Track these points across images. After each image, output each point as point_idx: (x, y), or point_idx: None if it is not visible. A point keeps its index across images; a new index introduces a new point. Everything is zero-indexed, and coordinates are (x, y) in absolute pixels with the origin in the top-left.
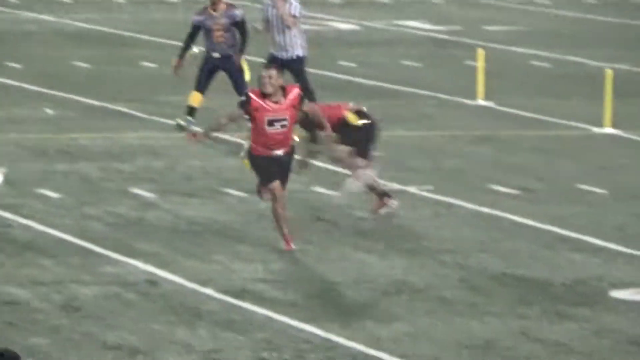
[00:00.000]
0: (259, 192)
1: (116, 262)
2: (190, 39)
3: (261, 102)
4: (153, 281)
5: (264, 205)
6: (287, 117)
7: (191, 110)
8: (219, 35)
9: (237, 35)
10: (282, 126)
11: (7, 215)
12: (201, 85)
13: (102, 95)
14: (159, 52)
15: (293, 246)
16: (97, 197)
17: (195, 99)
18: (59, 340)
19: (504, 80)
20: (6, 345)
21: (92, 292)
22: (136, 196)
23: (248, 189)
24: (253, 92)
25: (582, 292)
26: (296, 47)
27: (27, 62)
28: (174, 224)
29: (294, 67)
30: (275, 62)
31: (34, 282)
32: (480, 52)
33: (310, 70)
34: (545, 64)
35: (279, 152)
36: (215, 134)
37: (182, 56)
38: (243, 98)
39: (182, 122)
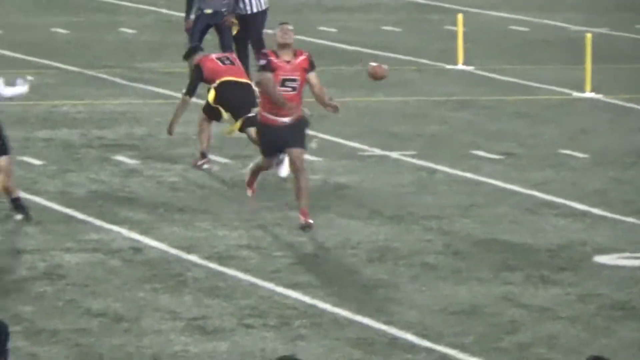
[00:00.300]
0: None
1: (100, 229)
2: None
3: (277, 61)
4: (137, 248)
5: (247, 170)
6: (298, 77)
7: None
8: None
9: None
10: (293, 89)
11: None
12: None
13: (82, 61)
14: (138, 18)
15: (250, 191)
16: (80, 165)
17: None
18: (43, 308)
19: (483, 45)
20: None
21: (76, 260)
22: (118, 163)
23: (231, 154)
24: (270, 54)
25: (566, 257)
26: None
27: (6, 29)
28: (157, 191)
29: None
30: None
31: (18, 250)
32: (460, 17)
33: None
34: (524, 28)
35: (286, 119)
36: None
37: (188, 16)
38: (263, 61)
39: None
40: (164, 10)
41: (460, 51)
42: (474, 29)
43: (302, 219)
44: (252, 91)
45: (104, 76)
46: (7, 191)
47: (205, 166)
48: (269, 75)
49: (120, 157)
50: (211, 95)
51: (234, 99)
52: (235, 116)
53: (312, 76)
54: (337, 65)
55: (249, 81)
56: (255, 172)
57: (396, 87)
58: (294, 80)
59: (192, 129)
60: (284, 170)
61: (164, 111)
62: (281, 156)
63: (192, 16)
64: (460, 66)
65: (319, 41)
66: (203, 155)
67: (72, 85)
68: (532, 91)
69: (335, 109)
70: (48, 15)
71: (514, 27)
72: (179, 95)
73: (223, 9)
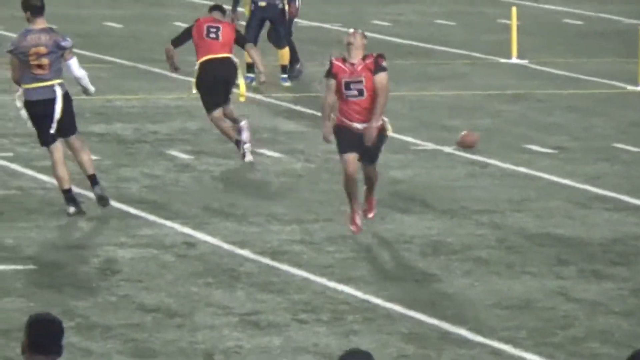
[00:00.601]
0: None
1: (153, 224)
2: None
3: (341, 65)
4: (190, 243)
5: (300, 165)
6: (362, 79)
7: (249, 67)
8: None
9: None
10: (359, 92)
11: (44, 178)
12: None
13: (135, 56)
14: (192, 11)
15: (353, 227)
16: (133, 159)
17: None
18: (97, 303)
19: (537, 38)
20: (47, 308)
21: (130, 255)
22: (172, 158)
23: (283, 149)
24: (336, 60)
25: (619, 251)
26: None
27: (59, 22)
28: (210, 186)
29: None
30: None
31: (71, 246)
32: (514, 10)
33: (343, 29)
34: (577, 21)
35: (360, 125)
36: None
37: (235, 8)
38: (327, 67)
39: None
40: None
41: (514, 44)
42: (528, 22)
43: (366, 207)
44: (232, 64)
45: (157, 70)
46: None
47: (247, 152)
48: (327, 82)
49: (173, 152)
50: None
51: (212, 76)
52: (216, 92)
53: (378, 78)
54: (391, 59)
55: (229, 55)
56: (349, 191)
57: (449, 80)
58: (358, 82)
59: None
60: (248, 155)
61: None
62: (242, 136)
63: (240, 9)
64: (513, 59)
65: (373, 35)
66: (238, 143)
67: (125, 80)
68: (585, 84)
69: (380, 130)
70: (101, 9)
71: (567, 20)
72: (232, 89)
73: (277, 2)
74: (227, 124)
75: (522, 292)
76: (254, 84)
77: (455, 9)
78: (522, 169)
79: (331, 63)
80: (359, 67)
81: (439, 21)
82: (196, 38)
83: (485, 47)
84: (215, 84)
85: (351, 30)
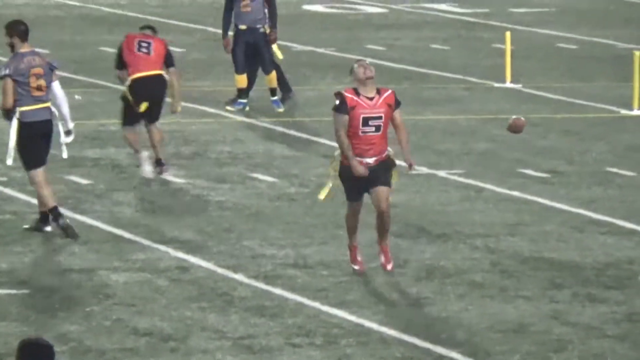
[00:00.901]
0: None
1: (147, 249)
2: (227, 13)
3: (357, 99)
4: (184, 267)
5: (294, 189)
6: (382, 114)
7: (240, 92)
8: (245, 4)
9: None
10: (376, 128)
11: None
12: (241, 67)
13: None
14: (186, 36)
15: (357, 267)
16: (127, 184)
17: (241, 81)
18: (90, 327)
19: (531, 62)
20: (41, 332)
21: (123, 279)
22: (166, 182)
23: (277, 173)
24: (347, 91)
25: (613, 275)
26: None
27: (54, 48)
28: (204, 210)
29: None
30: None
31: (65, 270)
32: (508, 35)
33: (338, 53)
34: (572, 46)
35: (370, 160)
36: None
37: (226, 34)
38: (337, 101)
39: (231, 108)
40: (211, 29)
41: (508, 69)
42: (522, 46)
43: (382, 260)
44: (163, 82)
45: None
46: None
47: (165, 172)
48: (340, 118)
49: (168, 177)
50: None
51: (145, 94)
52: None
53: (398, 114)
54: (386, 84)
55: (160, 72)
56: (350, 232)
57: (444, 104)
58: (378, 118)
59: (238, 148)
60: (148, 170)
61: (212, 130)
62: (143, 154)
63: (231, 33)
64: (508, 84)
65: (367, 59)
66: (159, 162)
67: (120, 105)
68: (580, 109)
69: (410, 167)
70: (96, 34)
71: (562, 45)
72: (228, 114)
73: (257, 25)
74: (137, 137)
75: (516, 316)
76: (247, 109)
77: (450, 33)
78: (516, 193)
79: (343, 96)
80: (379, 102)
81: (434, 46)
82: (126, 53)
83: (480, 71)
84: (145, 101)
85: (364, 62)
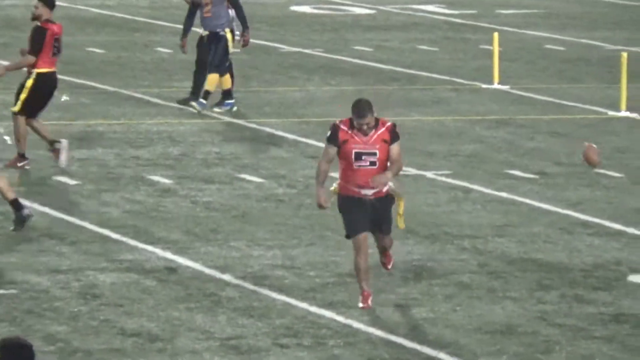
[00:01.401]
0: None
1: (134, 249)
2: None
3: (350, 132)
4: (171, 268)
5: (281, 190)
6: (377, 150)
7: (225, 94)
8: (206, 10)
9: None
10: (371, 163)
11: (25, 202)
12: (223, 68)
13: (118, 81)
14: (174, 37)
15: (370, 304)
16: (115, 184)
17: (226, 82)
18: (78, 328)
19: (519, 63)
20: (28, 333)
21: (111, 279)
22: (154, 183)
23: (264, 174)
24: (342, 123)
25: (600, 276)
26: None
27: None
28: (191, 211)
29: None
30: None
31: (52, 270)
32: (495, 36)
33: (326, 55)
34: (560, 47)
35: (369, 192)
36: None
37: (185, 35)
38: (329, 132)
39: (219, 109)
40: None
41: (496, 70)
42: (510, 48)
43: (384, 260)
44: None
45: (140, 96)
46: None
47: (27, 167)
48: (327, 148)
49: (155, 177)
50: (29, 84)
51: (51, 90)
52: (45, 104)
53: (394, 149)
54: (373, 85)
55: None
56: (360, 268)
57: (432, 106)
58: (372, 154)
59: (226, 149)
60: (64, 159)
61: (199, 131)
62: (61, 144)
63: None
64: (496, 85)
65: (355, 60)
66: (23, 156)
67: (108, 105)
68: (568, 110)
69: (372, 182)
70: (84, 35)
71: (549, 46)
72: (215, 115)
73: (218, 29)
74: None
75: (503, 317)
76: (235, 109)
77: (437, 35)
78: (504, 194)
79: (336, 128)
80: (373, 138)
81: (421, 47)
82: (47, 41)
83: (467, 72)
84: (50, 97)
85: (359, 110)
